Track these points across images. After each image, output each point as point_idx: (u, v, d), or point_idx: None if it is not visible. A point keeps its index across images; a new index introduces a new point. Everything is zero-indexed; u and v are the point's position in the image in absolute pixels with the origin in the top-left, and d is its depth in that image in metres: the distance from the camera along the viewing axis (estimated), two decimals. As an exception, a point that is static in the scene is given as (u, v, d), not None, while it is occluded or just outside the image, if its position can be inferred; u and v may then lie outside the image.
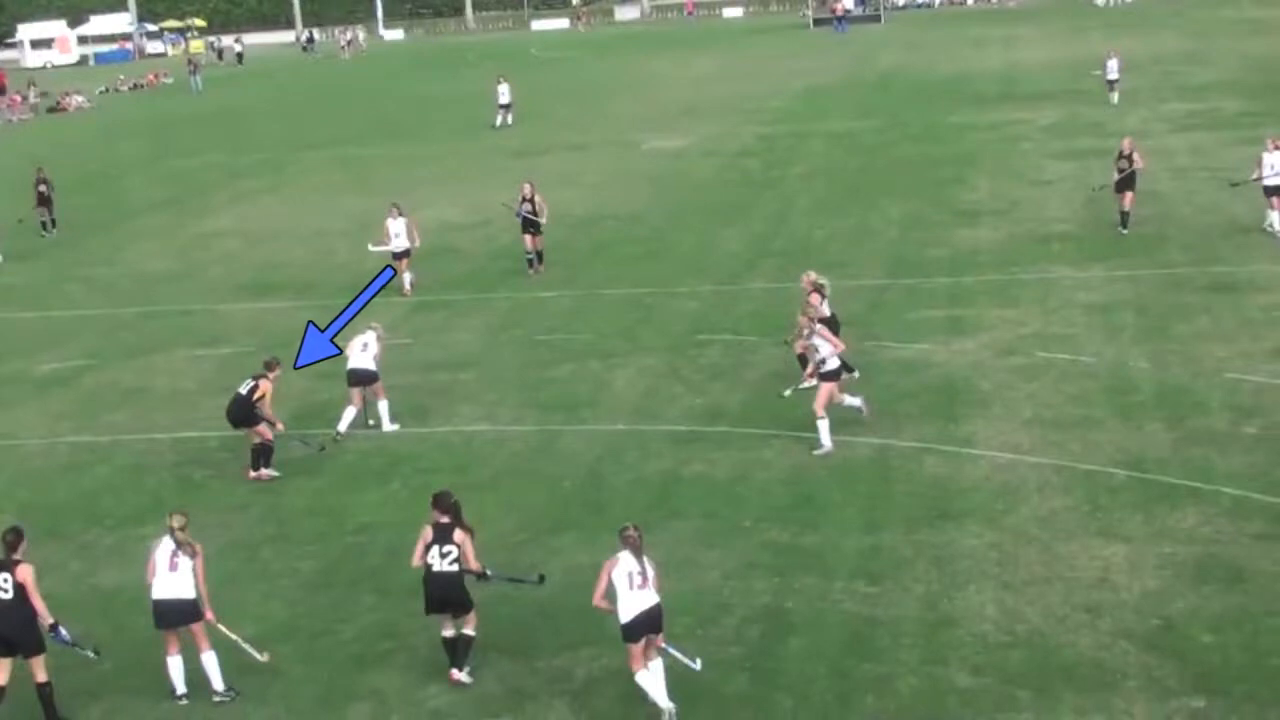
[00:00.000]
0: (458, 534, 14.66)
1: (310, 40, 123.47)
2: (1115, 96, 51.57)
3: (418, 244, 31.14)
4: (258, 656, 15.14)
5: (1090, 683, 14.02)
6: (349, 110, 70.31)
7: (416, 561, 14.81)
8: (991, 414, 21.39)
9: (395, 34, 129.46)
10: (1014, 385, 22.52)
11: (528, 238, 31.80)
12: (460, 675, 14.79)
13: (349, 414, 22.29)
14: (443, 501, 14.91)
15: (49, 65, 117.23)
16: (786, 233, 35.35)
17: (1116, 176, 31.79)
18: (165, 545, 14.79)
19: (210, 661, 14.88)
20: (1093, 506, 17.93)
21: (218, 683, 14.93)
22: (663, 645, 13.97)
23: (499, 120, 58.20)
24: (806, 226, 35.82)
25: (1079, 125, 47.60)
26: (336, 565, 17.97)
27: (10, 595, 14.24)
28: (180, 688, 14.93)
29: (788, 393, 21.23)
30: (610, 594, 13.99)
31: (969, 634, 15.10)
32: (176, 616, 14.70)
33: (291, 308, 31.10)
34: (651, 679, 13.88)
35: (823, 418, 20.23)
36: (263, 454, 21.05)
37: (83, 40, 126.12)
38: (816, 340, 20.49)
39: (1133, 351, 23.76)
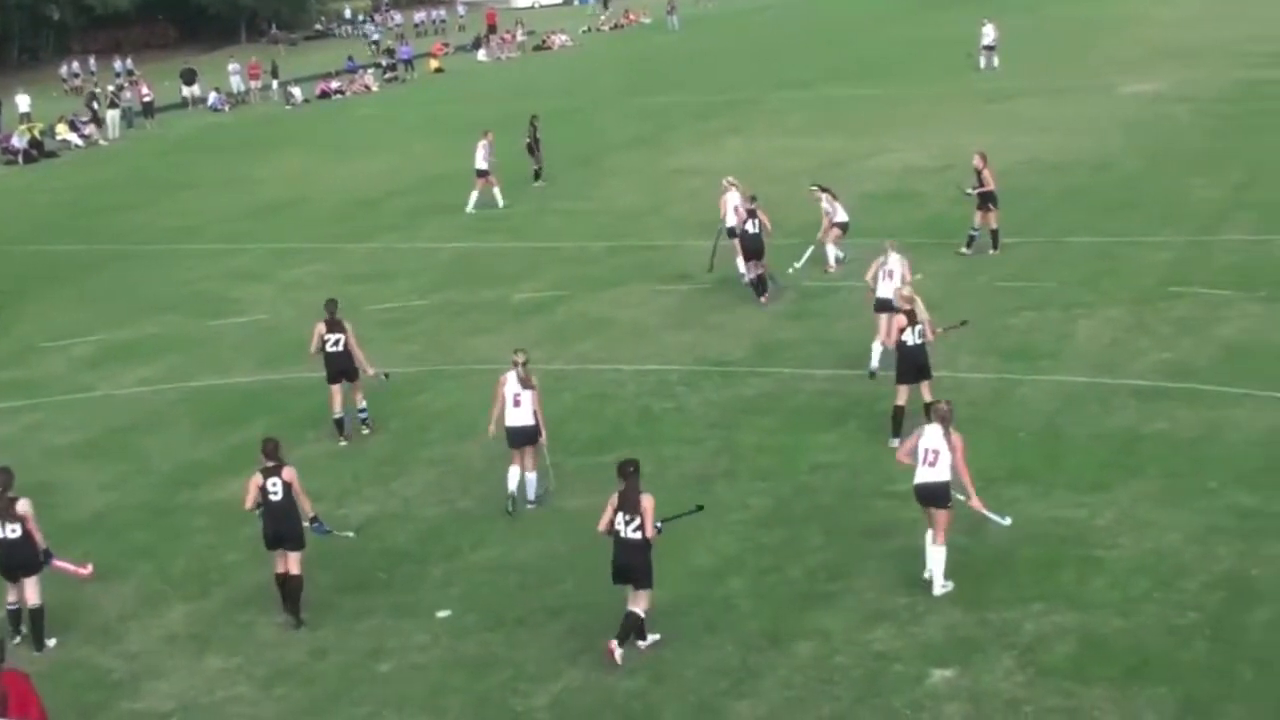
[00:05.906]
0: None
1: None
2: None
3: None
4: None
5: None
6: (825, 51, 70.02)
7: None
8: None
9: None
10: None
11: (978, 214, 29.27)
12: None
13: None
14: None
15: (536, 5, 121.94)
16: (1269, 183, 33.39)
17: None
18: (511, 382, 18.20)
19: (531, 478, 18.47)
20: None
21: (531, 493, 18.54)
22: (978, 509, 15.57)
23: (983, 63, 56.88)
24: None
25: None
26: (787, 503, 18.19)
27: (280, 496, 15.79)
28: (514, 488, 18.32)
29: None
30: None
31: None
32: (524, 439, 18.27)
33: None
34: (933, 556, 15.42)
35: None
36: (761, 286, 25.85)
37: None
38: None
39: None
